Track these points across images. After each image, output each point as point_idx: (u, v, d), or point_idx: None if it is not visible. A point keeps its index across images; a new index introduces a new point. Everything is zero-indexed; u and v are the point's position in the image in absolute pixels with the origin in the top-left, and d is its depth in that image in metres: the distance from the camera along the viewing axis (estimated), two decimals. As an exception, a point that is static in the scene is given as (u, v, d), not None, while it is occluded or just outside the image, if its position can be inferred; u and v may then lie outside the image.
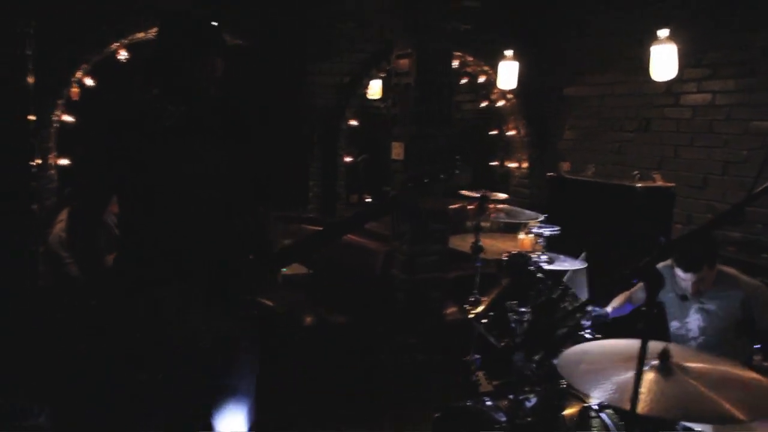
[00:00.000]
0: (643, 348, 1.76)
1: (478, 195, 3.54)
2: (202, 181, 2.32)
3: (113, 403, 2.43)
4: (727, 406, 1.81)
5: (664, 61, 4.96)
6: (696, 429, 2.44)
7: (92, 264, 2.37)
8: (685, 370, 2.03)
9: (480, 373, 3.66)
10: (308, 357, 4.56)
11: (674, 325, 3.49)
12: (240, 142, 2.50)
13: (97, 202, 2.39)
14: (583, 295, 3.33)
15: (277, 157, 2.85)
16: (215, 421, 2.51)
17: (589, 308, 3.49)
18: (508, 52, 6.34)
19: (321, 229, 2.69)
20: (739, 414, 1.77)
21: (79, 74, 5.67)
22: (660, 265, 3.55)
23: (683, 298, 3.37)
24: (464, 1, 4.43)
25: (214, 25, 2.40)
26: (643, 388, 1.88)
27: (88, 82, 5.91)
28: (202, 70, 2.33)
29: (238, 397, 2.53)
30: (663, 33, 4.91)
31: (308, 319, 4.74)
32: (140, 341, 2.27)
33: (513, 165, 7.53)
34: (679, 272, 3.23)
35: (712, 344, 3.33)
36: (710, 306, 3.33)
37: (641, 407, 1.81)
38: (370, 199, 8.30)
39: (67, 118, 5.70)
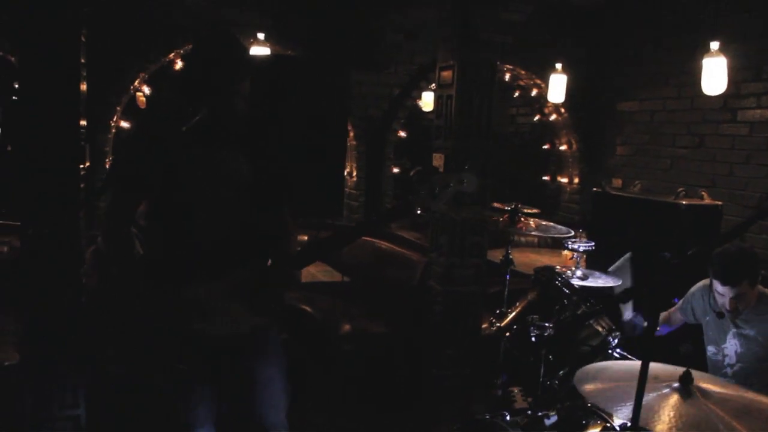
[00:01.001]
0: (644, 367, 1.75)
1: (510, 207, 3.51)
2: (227, 190, 2.44)
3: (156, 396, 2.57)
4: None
5: (715, 74, 4.84)
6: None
7: (128, 264, 2.48)
8: (707, 395, 2.02)
9: (516, 389, 3.62)
10: (345, 364, 4.60)
11: (710, 350, 3.36)
12: (267, 150, 2.59)
13: (128, 207, 2.48)
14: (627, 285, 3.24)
15: (312, 164, 2.92)
16: (255, 410, 2.61)
17: (628, 317, 3.40)
18: (558, 65, 6.28)
19: (337, 231, 2.74)
20: None
21: (137, 82, 5.89)
22: (699, 285, 3.45)
23: (719, 316, 3.24)
24: (504, 15, 4.37)
25: (241, 45, 2.48)
26: (663, 410, 1.91)
27: (146, 90, 6.14)
28: (233, 89, 2.41)
29: (273, 387, 2.63)
30: (714, 46, 4.79)
31: (346, 327, 4.77)
32: (184, 333, 2.38)
33: (564, 180, 7.43)
34: (717, 286, 3.08)
35: (749, 372, 3.19)
36: (749, 331, 3.19)
37: (659, 428, 1.83)
38: (420, 211, 8.30)
39: (125, 124, 5.92)
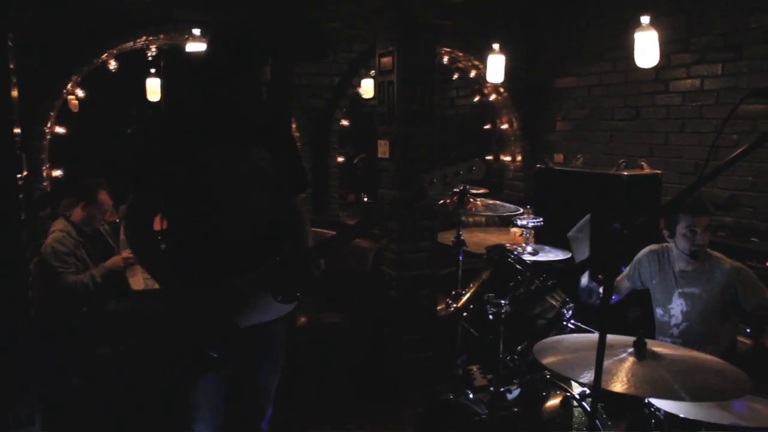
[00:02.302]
0: (603, 334, 1.80)
1: (458, 189, 3.54)
2: (249, 181, 2.48)
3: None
4: (685, 386, 1.97)
5: (647, 47, 4.96)
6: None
7: (155, 261, 2.51)
8: (659, 357, 2.17)
9: (474, 367, 3.67)
10: (303, 356, 4.59)
11: (658, 312, 3.49)
12: (280, 141, 2.63)
13: (149, 205, 2.52)
14: (584, 254, 3.33)
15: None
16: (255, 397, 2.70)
17: (584, 283, 3.49)
18: (495, 46, 6.35)
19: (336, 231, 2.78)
20: (685, 395, 1.95)
21: (69, 86, 5.72)
22: (645, 251, 3.57)
23: (665, 278, 3.39)
24: (443, -3, 4.41)
25: (260, 39, 2.49)
26: (619, 371, 2.06)
27: (80, 93, 5.97)
28: (255, 82, 2.44)
29: (274, 374, 2.73)
30: (645, 20, 4.91)
31: (301, 319, 4.76)
32: (220, 325, 2.41)
33: (507, 159, 7.53)
34: (688, 223, 3.24)
35: (694, 330, 3.33)
36: (694, 289, 3.33)
37: (616, 387, 1.98)
38: (366, 199, 8.33)
39: (60, 129, 5.75)
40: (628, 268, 3.66)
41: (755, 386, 2.11)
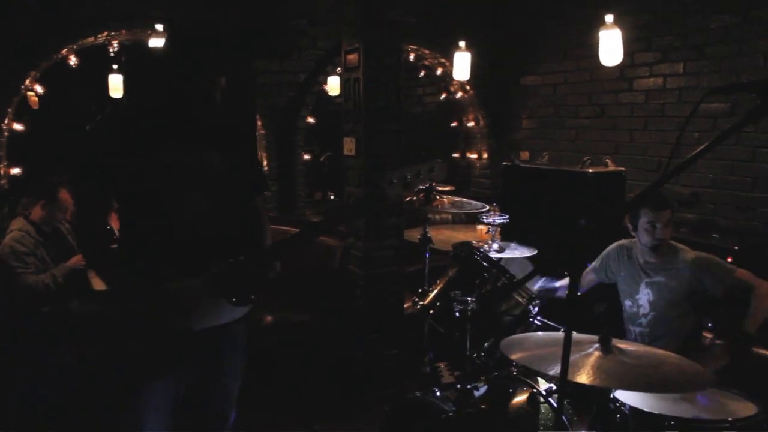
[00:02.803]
0: (569, 327, 1.80)
1: (424, 186, 3.54)
2: (204, 181, 2.42)
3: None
4: (648, 378, 2.06)
5: (611, 46, 5.01)
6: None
7: (104, 260, 2.53)
8: (624, 352, 2.22)
9: (442, 365, 3.66)
10: (270, 356, 4.55)
11: (627, 303, 3.53)
12: (234, 142, 2.57)
13: (100, 206, 2.51)
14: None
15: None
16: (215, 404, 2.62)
17: (539, 284, 3.54)
18: (461, 43, 6.36)
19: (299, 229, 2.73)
20: (648, 387, 2.08)
21: (28, 81, 5.59)
22: (614, 245, 3.61)
23: (633, 271, 3.44)
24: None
25: (221, 40, 2.47)
26: (585, 365, 2.11)
27: (38, 89, 5.84)
28: (212, 85, 2.41)
29: (235, 378, 2.64)
30: (609, 18, 4.96)
31: (268, 319, 4.72)
32: (165, 328, 2.35)
33: (473, 156, 7.56)
34: (649, 218, 3.29)
35: (661, 320, 3.37)
36: (660, 278, 3.38)
37: (582, 378, 2.04)
38: (333, 197, 8.29)
39: (18, 126, 5.62)
40: (594, 262, 3.70)
41: (715, 380, 2.16)
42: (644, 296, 3.44)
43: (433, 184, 3.57)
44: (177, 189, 2.39)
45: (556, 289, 3.62)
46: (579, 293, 3.72)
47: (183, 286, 2.35)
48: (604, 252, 3.66)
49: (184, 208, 2.40)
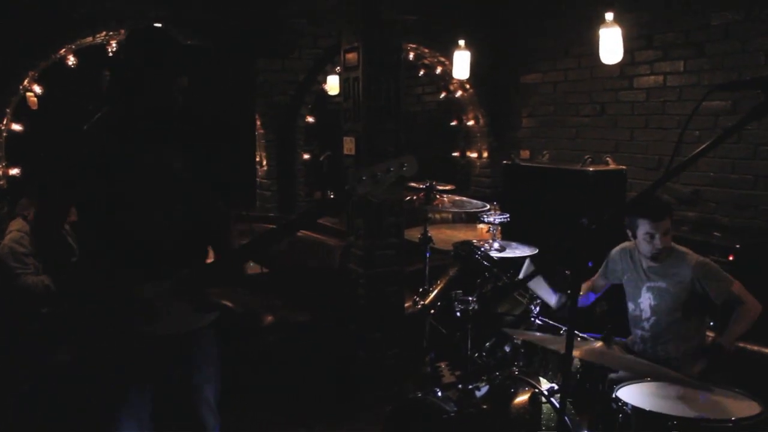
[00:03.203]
0: (571, 329, 1.80)
1: (424, 185, 3.53)
2: (164, 187, 2.40)
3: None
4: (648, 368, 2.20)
5: (611, 44, 5.00)
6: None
7: (64, 269, 2.50)
8: (623, 352, 2.23)
9: (443, 365, 3.65)
10: (271, 356, 4.54)
11: (630, 306, 3.51)
12: (200, 146, 2.55)
13: (59, 211, 2.47)
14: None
15: (225, 156, 2.86)
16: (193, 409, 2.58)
17: (556, 303, 3.50)
18: (461, 42, 6.35)
19: (275, 226, 2.70)
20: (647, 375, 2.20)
21: (26, 82, 5.58)
22: (617, 248, 3.59)
23: (637, 275, 3.42)
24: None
25: (179, 41, 2.44)
26: (588, 350, 2.25)
27: (37, 89, 5.82)
28: (170, 85, 2.38)
29: (211, 384, 2.61)
30: (609, 16, 4.94)
31: (268, 318, 4.70)
32: (130, 334, 2.33)
33: (473, 155, 7.54)
34: (647, 228, 3.25)
35: (662, 325, 3.35)
36: (661, 283, 3.35)
37: (581, 355, 2.19)
38: (333, 196, 8.26)
39: (16, 126, 5.60)
40: (602, 267, 3.67)
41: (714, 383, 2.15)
42: (646, 300, 3.41)
43: (435, 182, 3.57)
44: (138, 192, 2.36)
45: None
46: (594, 298, 3.69)
47: (146, 291, 2.32)
48: (609, 257, 3.63)
49: (143, 213, 2.37)
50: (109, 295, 2.32)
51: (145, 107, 2.37)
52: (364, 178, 2.33)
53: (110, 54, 6.06)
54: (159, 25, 2.35)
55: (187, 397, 2.55)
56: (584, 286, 3.66)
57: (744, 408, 2.39)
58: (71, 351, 4.19)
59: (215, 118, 3.27)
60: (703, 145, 1.54)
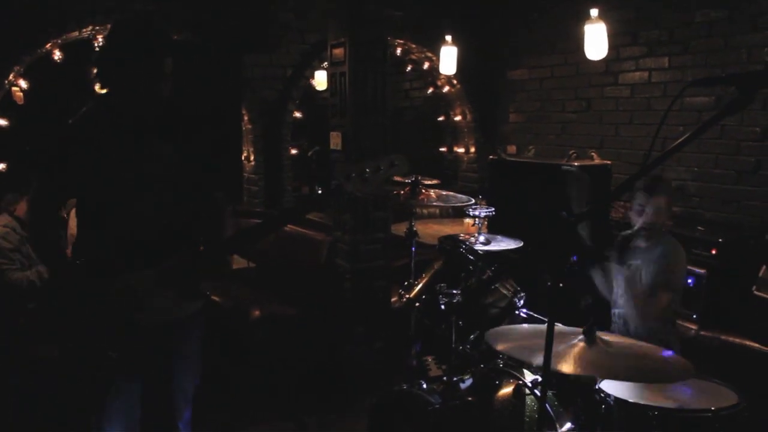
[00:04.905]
0: (552, 319, 1.82)
1: (410, 180, 3.55)
2: (154, 178, 2.40)
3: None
4: (630, 369, 2.12)
5: (596, 40, 5.03)
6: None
7: (57, 260, 2.51)
8: (608, 344, 2.26)
9: (429, 358, 3.67)
10: (259, 350, 4.55)
11: (613, 285, 3.52)
12: (190, 137, 2.55)
13: (53, 202, 2.53)
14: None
15: (211, 151, 2.87)
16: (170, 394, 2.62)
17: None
18: (448, 37, 6.36)
19: (262, 220, 2.71)
20: (630, 376, 2.13)
21: (12, 76, 5.55)
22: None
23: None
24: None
25: (162, 27, 2.46)
26: (569, 355, 2.15)
27: (23, 84, 5.80)
28: (153, 72, 2.37)
29: (190, 374, 2.66)
30: (594, 13, 4.97)
31: (255, 313, 4.71)
32: (118, 323, 2.34)
33: (460, 151, 7.57)
34: (640, 200, 3.29)
35: (633, 303, 3.29)
36: (637, 261, 3.35)
37: (565, 368, 2.08)
38: (321, 191, 8.26)
39: (1, 122, 5.58)
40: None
41: (694, 370, 2.18)
42: (620, 277, 3.43)
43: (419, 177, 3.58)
44: (126, 183, 2.36)
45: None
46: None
47: (130, 279, 2.33)
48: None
49: (130, 205, 2.38)
50: (94, 286, 2.33)
51: (133, 97, 2.36)
52: (353, 175, 2.34)
53: (96, 48, 6.04)
54: (142, 14, 2.34)
55: (165, 385, 2.57)
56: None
57: (723, 398, 2.43)
58: (58, 346, 4.18)
59: (202, 112, 3.26)
60: (679, 140, 1.57)
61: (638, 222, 3.34)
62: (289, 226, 5.31)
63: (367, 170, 2.34)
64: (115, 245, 2.37)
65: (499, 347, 2.34)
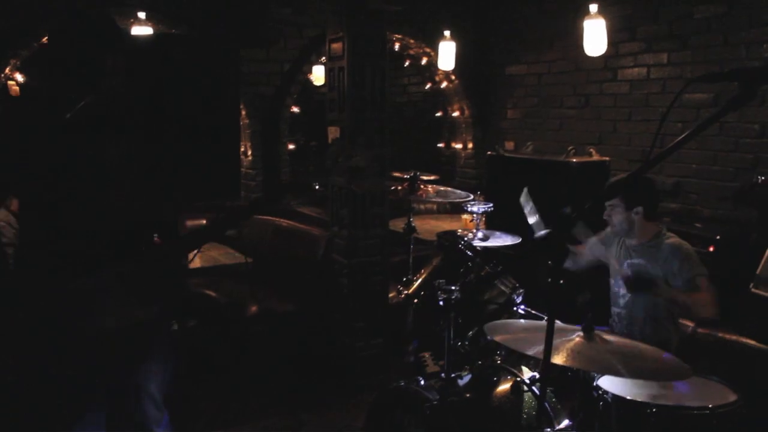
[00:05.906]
0: (551, 314, 1.81)
1: (409, 176, 3.54)
2: (106, 175, 2.31)
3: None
4: (626, 365, 2.11)
5: (595, 36, 5.03)
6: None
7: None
8: (606, 342, 2.29)
9: (427, 354, 3.67)
10: (256, 346, 4.54)
11: (612, 282, 3.52)
12: (149, 134, 2.47)
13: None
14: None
15: (205, 146, 2.80)
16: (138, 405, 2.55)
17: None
18: (446, 33, 6.35)
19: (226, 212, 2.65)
20: (625, 372, 2.11)
21: (8, 70, 5.52)
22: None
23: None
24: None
25: (111, 23, 2.38)
26: (566, 349, 2.18)
27: (19, 77, 5.77)
28: (101, 67, 2.30)
29: (157, 380, 2.58)
30: (593, 8, 4.96)
31: (252, 308, 4.70)
32: (60, 332, 2.25)
33: (458, 146, 7.56)
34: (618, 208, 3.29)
35: (637, 303, 3.33)
36: (640, 261, 3.35)
37: (559, 360, 2.10)
38: (318, 187, 8.25)
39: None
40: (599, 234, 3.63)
41: (692, 370, 2.19)
42: (621, 275, 3.42)
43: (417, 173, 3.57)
44: (73, 182, 2.28)
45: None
46: (583, 265, 3.67)
47: (84, 284, 2.24)
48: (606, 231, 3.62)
49: (80, 203, 2.29)
50: (44, 291, 2.24)
51: (73, 85, 2.28)
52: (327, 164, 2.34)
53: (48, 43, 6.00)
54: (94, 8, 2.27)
55: (132, 389, 2.52)
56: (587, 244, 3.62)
57: (721, 396, 2.43)
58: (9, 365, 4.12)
59: (200, 107, 3.24)
60: (681, 136, 1.56)
61: (615, 224, 3.33)
62: (286, 221, 5.30)
63: (333, 161, 2.34)
64: (60, 246, 2.27)
65: (498, 338, 2.37)
